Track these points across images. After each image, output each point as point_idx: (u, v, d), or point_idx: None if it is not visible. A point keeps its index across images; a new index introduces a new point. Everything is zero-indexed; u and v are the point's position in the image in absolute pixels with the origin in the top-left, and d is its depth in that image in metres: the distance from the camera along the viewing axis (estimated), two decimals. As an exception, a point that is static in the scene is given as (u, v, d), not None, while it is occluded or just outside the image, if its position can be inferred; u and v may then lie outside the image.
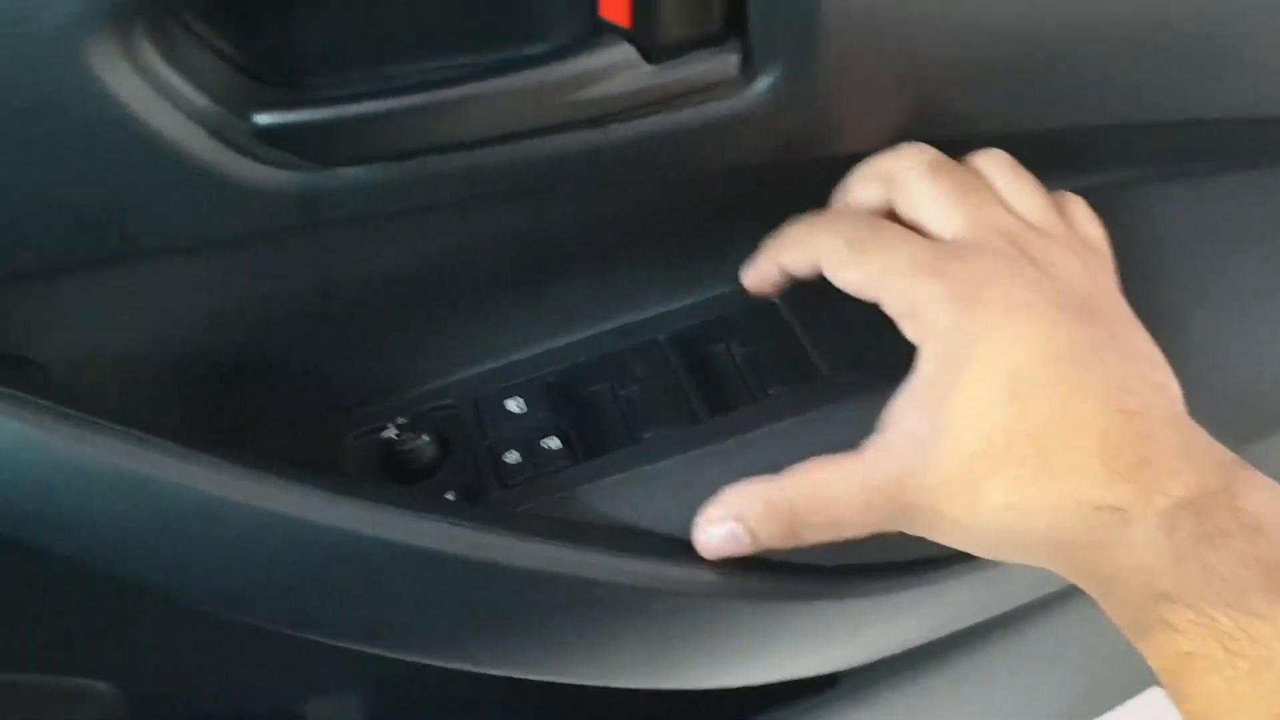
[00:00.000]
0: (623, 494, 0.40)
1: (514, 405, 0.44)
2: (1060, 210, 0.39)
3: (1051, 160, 0.44)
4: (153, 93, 0.30)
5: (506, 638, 0.40)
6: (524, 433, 0.43)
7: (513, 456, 0.42)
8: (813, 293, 0.39)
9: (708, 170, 0.39)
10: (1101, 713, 0.65)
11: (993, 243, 0.36)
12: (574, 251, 0.43)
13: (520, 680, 0.42)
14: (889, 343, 0.36)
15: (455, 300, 0.43)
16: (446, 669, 0.40)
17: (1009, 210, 0.37)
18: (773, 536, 0.36)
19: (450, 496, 0.41)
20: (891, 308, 0.36)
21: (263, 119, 0.32)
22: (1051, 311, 0.34)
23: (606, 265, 0.44)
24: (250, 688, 0.52)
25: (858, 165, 0.39)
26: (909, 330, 0.35)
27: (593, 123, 0.35)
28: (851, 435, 0.39)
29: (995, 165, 0.39)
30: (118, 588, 0.37)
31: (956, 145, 0.40)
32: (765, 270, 0.41)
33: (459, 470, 0.42)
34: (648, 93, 0.35)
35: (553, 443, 0.42)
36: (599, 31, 0.34)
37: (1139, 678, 0.63)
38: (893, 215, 0.38)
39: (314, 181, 0.34)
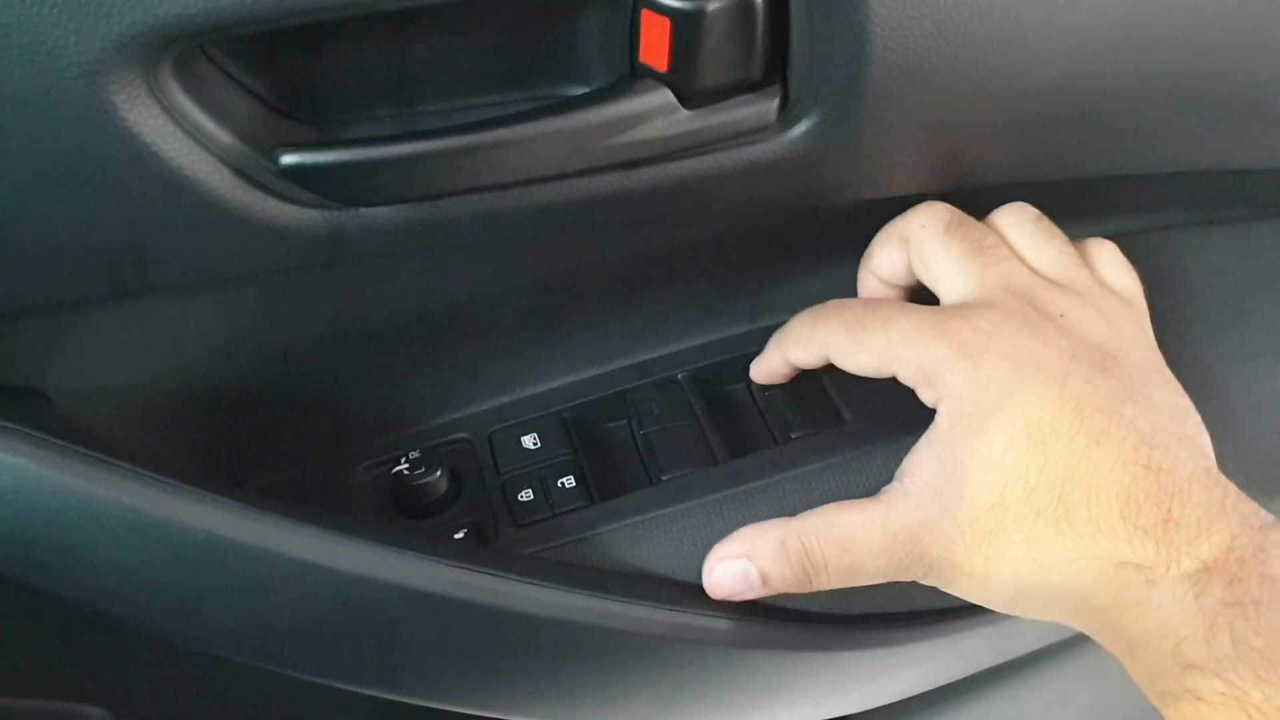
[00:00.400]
0: (640, 537, 0.40)
1: (529, 441, 0.43)
2: (1088, 260, 0.38)
3: (1088, 206, 0.43)
4: (177, 130, 0.29)
5: (516, 683, 0.39)
6: (539, 470, 0.42)
7: (527, 494, 0.41)
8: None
9: (737, 212, 0.39)
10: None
11: (1001, 299, 0.35)
12: (597, 286, 0.42)
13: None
14: (915, 392, 0.36)
15: (473, 334, 0.42)
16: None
17: (1026, 266, 0.37)
18: (785, 579, 0.36)
19: (461, 534, 0.41)
20: (905, 377, 0.36)
21: (288, 158, 0.31)
22: (1064, 362, 0.34)
23: (628, 300, 0.44)
24: (247, 715, 0.51)
25: (880, 231, 0.39)
26: (925, 396, 0.36)
27: (626, 166, 0.34)
28: (874, 484, 0.38)
29: (1016, 220, 0.38)
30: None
31: (993, 192, 0.39)
32: (773, 366, 0.41)
33: (471, 507, 0.41)
34: (684, 137, 0.34)
35: (568, 481, 0.41)
36: (637, 76, 0.33)
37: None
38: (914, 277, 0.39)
39: (339, 221, 0.33)
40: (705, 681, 0.40)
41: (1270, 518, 0.33)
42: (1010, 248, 0.37)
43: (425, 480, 0.41)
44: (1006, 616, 0.41)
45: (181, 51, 0.28)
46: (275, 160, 0.31)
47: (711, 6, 0.31)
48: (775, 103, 0.35)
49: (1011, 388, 0.33)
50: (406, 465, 0.41)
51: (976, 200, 0.39)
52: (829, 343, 0.38)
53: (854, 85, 0.33)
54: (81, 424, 0.35)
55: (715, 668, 0.39)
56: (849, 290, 0.41)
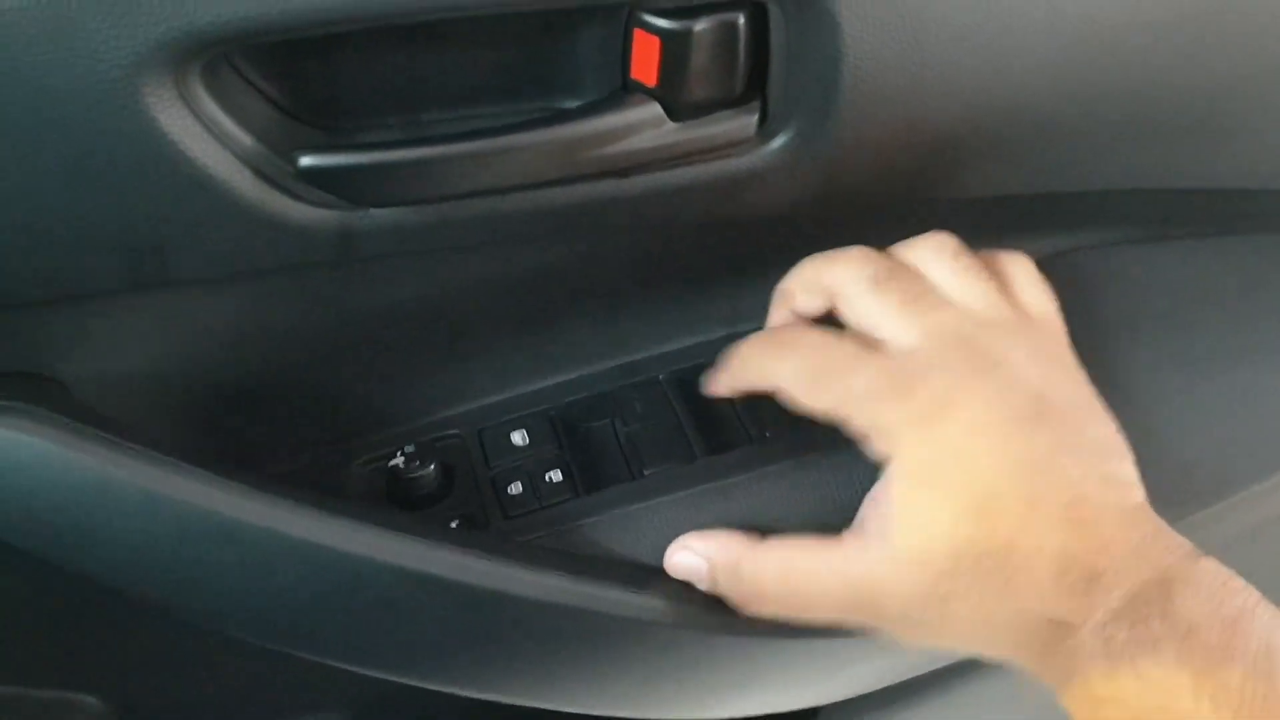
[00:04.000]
0: (622, 528, 0.42)
1: (519, 438, 0.45)
2: (1006, 285, 0.39)
3: (1045, 220, 0.46)
4: (203, 132, 0.31)
5: (508, 664, 0.41)
6: (528, 465, 0.44)
7: (516, 488, 0.43)
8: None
9: (720, 220, 0.41)
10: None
11: (948, 353, 0.36)
12: (584, 290, 0.45)
13: (507, 705, 0.43)
14: None
15: (467, 334, 0.44)
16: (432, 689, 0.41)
17: (957, 308, 0.37)
18: (729, 594, 0.38)
19: (454, 525, 0.42)
20: (855, 429, 0.36)
21: (305, 160, 0.33)
22: (1009, 425, 0.35)
23: (613, 304, 0.46)
24: (237, 704, 0.52)
25: (797, 269, 0.39)
26: (875, 447, 0.36)
27: (617, 174, 0.37)
28: (844, 480, 0.41)
29: (937, 258, 0.38)
30: (106, 601, 0.38)
31: (957, 205, 0.42)
32: (731, 388, 0.41)
33: (463, 500, 0.43)
34: (670, 149, 0.36)
35: (555, 475, 0.43)
36: (628, 90, 0.35)
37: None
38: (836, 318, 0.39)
39: (350, 220, 0.35)
40: (681, 666, 0.42)
41: (1184, 549, 0.34)
42: (939, 293, 0.38)
43: (419, 474, 0.43)
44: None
45: (209, 59, 0.30)
46: (293, 162, 0.33)
47: (698, 27, 0.33)
48: (755, 117, 0.37)
49: (962, 455, 0.35)
50: (401, 459, 0.43)
51: (937, 213, 0.42)
52: (785, 378, 0.37)
53: (828, 102, 0.36)
54: (96, 410, 0.36)
55: (690, 652, 0.41)
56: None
